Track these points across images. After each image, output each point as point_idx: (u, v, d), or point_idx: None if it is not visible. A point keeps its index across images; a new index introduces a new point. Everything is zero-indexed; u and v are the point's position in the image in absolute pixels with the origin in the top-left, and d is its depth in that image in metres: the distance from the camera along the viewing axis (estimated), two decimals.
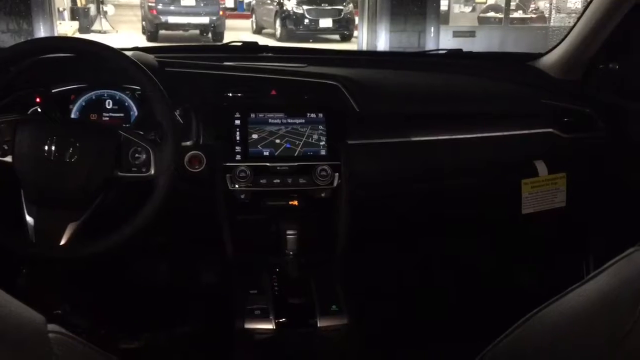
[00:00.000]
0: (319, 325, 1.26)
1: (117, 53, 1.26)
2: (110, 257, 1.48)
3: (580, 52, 1.72)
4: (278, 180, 1.42)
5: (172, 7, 12.05)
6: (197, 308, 1.71)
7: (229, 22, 13.30)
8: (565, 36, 1.76)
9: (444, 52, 2.02)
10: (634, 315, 0.51)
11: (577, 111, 1.68)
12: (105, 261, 1.58)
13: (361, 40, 9.20)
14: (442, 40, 8.27)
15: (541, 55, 1.87)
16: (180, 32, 12.57)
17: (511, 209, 1.62)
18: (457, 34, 8.55)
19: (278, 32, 12.57)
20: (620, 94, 1.71)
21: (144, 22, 12.68)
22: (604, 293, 0.56)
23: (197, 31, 12.67)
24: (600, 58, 1.72)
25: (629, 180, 1.67)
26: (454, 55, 1.97)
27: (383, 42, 8.49)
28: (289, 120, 1.47)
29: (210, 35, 12.53)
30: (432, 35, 8.41)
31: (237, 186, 1.40)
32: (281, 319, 1.26)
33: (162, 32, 12.31)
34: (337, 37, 12.84)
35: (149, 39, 11.90)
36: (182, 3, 12.14)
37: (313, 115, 1.48)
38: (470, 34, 8.60)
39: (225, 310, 1.34)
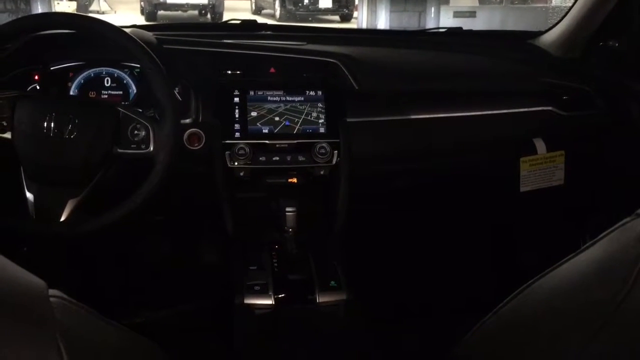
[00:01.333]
0: (318, 300, 1.27)
1: (116, 29, 1.26)
2: (111, 235, 1.49)
3: (580, 29, 1.72)
4: (277, 158, 1.42)
5: None
6: (197, 285, 1.72)
7: (227, 3, 13.21)
8: (566, 14, 1.75)
9: (444, 30, 2.00)
10: (628, 283, 0.52)
11: (576, 89, 1.68)
12: (105, 239, 1.58)
13: (361, 20, 9.16)
14: (442, 20, 8.23)
15: (541, 33, 1.86)
16: (179, 12, 12.49)
17: (509, 187, 1.63)
18: (457, 14, 8.50)
19: (277, 13, 12.47)
20: (620, 72, 1.71)
21: (142, 3, 12.59)
22: (599, 262, 0.57)
23: (196, 11, 12.59)
24: (600, 36, 1.71)
25: (628, 158, 1.67)
26: (454, 33, 1.96)
27: (383, 23, 8.45)
28: (288, 98, 1.47)
29: (209, 15, 12.45)
30: (432, 15, 8.36)
31: (236, 164, 1.40)
32: (280, 294, 1.27)
33: (160, 12, 12.23)
34: (337, 17, 12.75)
35: (148, 20, 11.82)
36: None
37: (312, 93, 1.48)
38: (471, 14, 8.54)
39: (225, 287, 1.35)
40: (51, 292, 0.47)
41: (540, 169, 1.62)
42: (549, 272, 0.63)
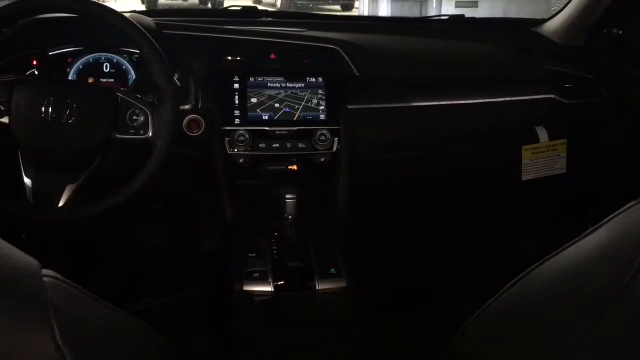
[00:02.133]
0: (317, 288, 1.27)
1: (116, 14, 1.24)
2: (111, 222, 1.48)
3: (584, 17, 1.70)
4: (277, 145, 1.41)
5: None
6: (197, 272, 1.71)
7: None
8: (569, 2, 1.74)
9: (446, 18, 1.99)
10: (634, 267, 0.51)
11: (579, 77, 1.67)
12: (104, 226, 1.58)
13: (362, 10, 9.12)
14: (444, 10, 8.17)
15: (544, 21, 1.85)
16: (180, 1, 12.44)
17: (511, 175, 1.62)
18: (459, 4, 8.45)
19: (279, 2, 12.42)
20: (623, 60, 1.69)
21: None
22: (604, 246, 0.56)
23: (197, 0, 12.54)
24: (604, 23, 1.70)
25: (631, 146, 1.66)
26: (456, 21, 1.94)
27: (385, 12, 8.41)
28: (289, 85, 1.45)
29: (209, 4, 12.41)
30: (434, 5, 8.32)
31: (236, 150, 1.39)
32: (280, 282, 1.27)
33: (161, 1, 12.19)
34: (337, 7, 12.69)
35: (148, 8, 11.77)
36: None
37: (313, 79, 1.47)
38: (473, 4, 8.49)
39: (224, 274, 1.34)
40: (45, 272, 0.46)
41: (543, 158, 1.61)
42: (551, 258, 0.62)
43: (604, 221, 0.58)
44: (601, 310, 0.52)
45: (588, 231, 0.60)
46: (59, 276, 0.47)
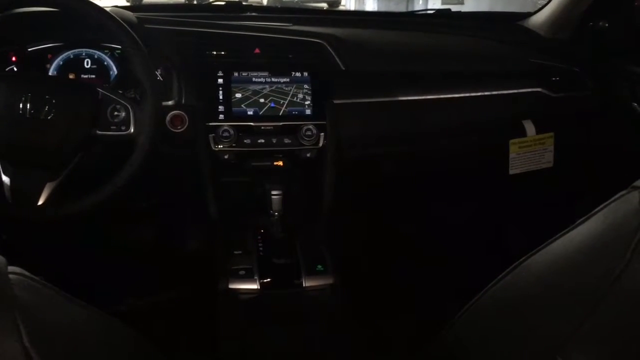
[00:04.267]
0: (304, 285, 1.25)
1: (96, 8, 1.22)
2: (93, 221, 1.45)
3: (570, 10, 1.70)
4: (262, 141, 1.39)
5: None
6: (182, 271, 1.69)
7: None
8: None
9: (432, 12, 1.97)
10: (625, 258, 0.50)
11: (566, 70, 1.66)
12: (86, 225, 1.55)
13: (349, 7, 9.09)
14: (430, 6, 8.17)
15: (530, 14, 1.84)
16: None
17: (498, 169, 1.61)
18: (445, 1, 8.45)
19: (265, 0, 12.37)
20: (610, 53, 1.69)
21: None
22: (594, 237, 0.55)
23: None
24: (590, 16, 1.69)
25: (617, 139, 1.66)
26: (443, 15, 1.93)
27: (371, 9, 8.39)
28: (273, 79, 1.43)
29: (195, 1, 12.34)
30: (420, 1, 8.32)
31: (220, 146, 1.37)
32: (266, 279, 1.25)
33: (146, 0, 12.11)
34: (324, 5, 12.66)
35: (133, 4, 11.67)
36: None
37: (298, 74, 1.45)
38: (459, 0, 8.50)
39: (210, 272, 1.32)
40: (10, 268, 0.44)
41: (530, 151, 1.61)
42: (542, 248, 0.61)
43: (593, 212, 0.57)
44: (592, 302, 0.51)
45: (577, 222, 0.59)
46: (26, 273, 0.45)
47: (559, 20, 1.72)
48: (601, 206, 0.57)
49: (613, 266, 0.50)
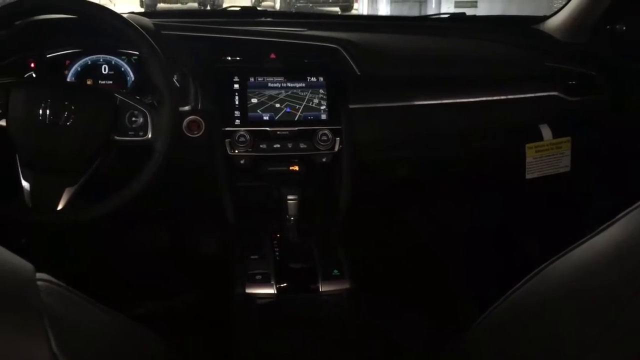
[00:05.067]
0: (320, 290, 1.25)
1: (114, 14, 1.23)
2: (111, 225, 1.47)
3: (586, 13, 1.68)
4: (278, 145, 1.40)
5: None
6: (198, 275, 1.70)
7: None
8: None
9: (447, 16, 1.97)
10: None
11: (582, 74, 1.65)
12: (104, 229, 1.56)
13: (361, 11, 9.10)
14: (443, 10, 8.16)
15: (546, 18, 1.83)
16: (179, 4, 12.45)
17: (515, 174, 1.60)
18: (458, 4, 8.43)
19: (277, 4, 12.42)
20: (627, 56, 1.68)
21: None
22: (618, 243, 0.54)
23: (196, 4, 12.55)
24: (607, 20, 1.68)
25: (634, 144, 1.64)
26: (457, 19, 1.93)
27: (384, 13, 8.39)
28: (289, 84, 1.44)
29: (208, 7, 12.42)
30: (433, 5, 8.31)
31: (236, 151, 1.38)
32: (282, 284, 1.25)
33: (160, 5, 12.20)
34: (336, 9, 12.69)
35: (147, 11, 11.78)
36: None
37: (313, 79, 1.45)
38: (472, 3, 8.48)
39: (226, 277, 1.32)
40: (39, 275, 0.44)
41: (547, 156, 1.60)
42: (564, 255, 0.60)
43: (617, 218, 0.57)
44: (617, 308, 0.50)
45: (600, 228, 0.58)
46: (53, 279, 0.45)
47: (576, 24, 1.71)
48: (624, 212, 0.56)
49: (637, 272, 0.50)
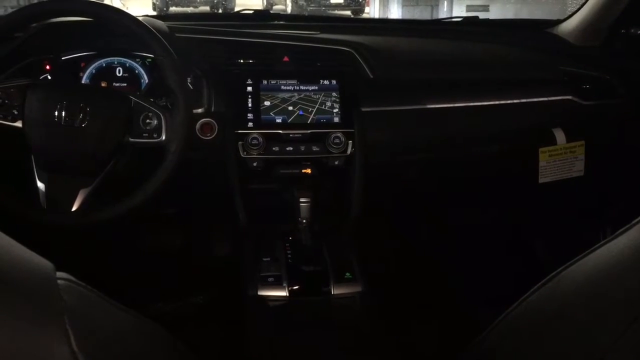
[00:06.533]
0: (332, 292, 1.25)
1: (130, 17, 1.23)
2: (123, 226, 1.47)
3: (601, 17, 1.68)
4: (291, 148, 1.40)
5: None
6: (210, 277, 1.70)
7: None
8: (585, 2, 1.71)
9: (459, 19, 1.97)
10: None
11: (597, 78, 1.64)
12: (117, 230, 1.57)
13: (373, 14, 9.10)
14: (455, 13, 8.16)
15: (560, 21, 1.83)
16: (191, 8, 12.52)
17: (528, 178, 1.59)
18: (470, 8, 8.42)
19: (289, 8, 12.45)
20: None
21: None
22: (635, 247, 0.54)
23: (207, 7, 12.61)
24: (622, 23, 1.67)
25: None
26: (470, 22, 1.92)
27: (395, 16, 8.39)
28: (302, 87, 1.44)
29: (220, 11, 12.47)
30: (445, 9, 8.30)
31: (249, 154, 1.38)
32: (294, 286, 1.25)
33: (172, 9, 12.27)
34: (348, 12, 12.70)
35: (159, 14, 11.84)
36: None
37: (326, 82, 1.45)
38: (484, 7, 8.46)
39: (238, 279, 1.33)
40: (59, 274, 0.45)
41: (560, 160, 1.59)
42: (580, 259, 0.60)
43: (635, 222, 0.56)
44: (635, 311, 0.50)
45: (617, 233, 0.58)
46: (72, 278, 0.46)
47: (590, 27, 1.70)
48: None
49: None
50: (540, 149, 1.58)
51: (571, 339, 0.56)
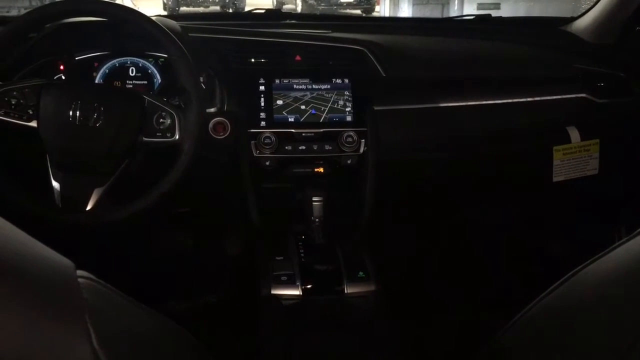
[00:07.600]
0: (346, 291, 1.25)
1: (143, 17, 1.24)
2: (136, 226, 1.48)
3: (615, 14, 1.66)
4: (303, 147, 1.40)
5: None
6: (223, 276, 1.71)
7: None
8: None
9: (472, 17, 1.95)
10: None
11: (611, 76, 1.63)
12: (131, 230, 1.58)
13: (383, 13, 9.08)
14: (466, 12, 8.12)
15: (573, 19, 1.81)
16: (201, 8, 12.55)
17: (542, 176, 1.58)
18: (481, 6, 8.38)
19: (299, 8, 12.44)
20: None
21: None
22: None
23: (218, 7, 12.64)
24: (636, 20, 1.65)
25: None
26: (483, 20, 1.91)
27: (406, 15, 8.37)
28: (314, 86, 1.44)
29: (231, 11, 12.49)
30: (455, 7, 8.26)
31: (262, 153, 1.38)
32: (308, 285, 1.25)
33: (183, 9, 12.31)
34: (358, 11, 12.67)
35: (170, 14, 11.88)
36: None
37: (339, 80, 1.45)
38: (495, 5, 8.41)
39: (251, 278, 1.33)
40: (79, 272, 0.45)
41: (574, 158, 1.58)
42: (598, 259, 0.59)
43: None
44: None
45: (636, 232, 0.57)
46: (93, 277, 0.46)
47: (604, 25, 1.68)
48: None
49: None
50: (555, 147, 1.57)
51: (589, 340, 0.55)
